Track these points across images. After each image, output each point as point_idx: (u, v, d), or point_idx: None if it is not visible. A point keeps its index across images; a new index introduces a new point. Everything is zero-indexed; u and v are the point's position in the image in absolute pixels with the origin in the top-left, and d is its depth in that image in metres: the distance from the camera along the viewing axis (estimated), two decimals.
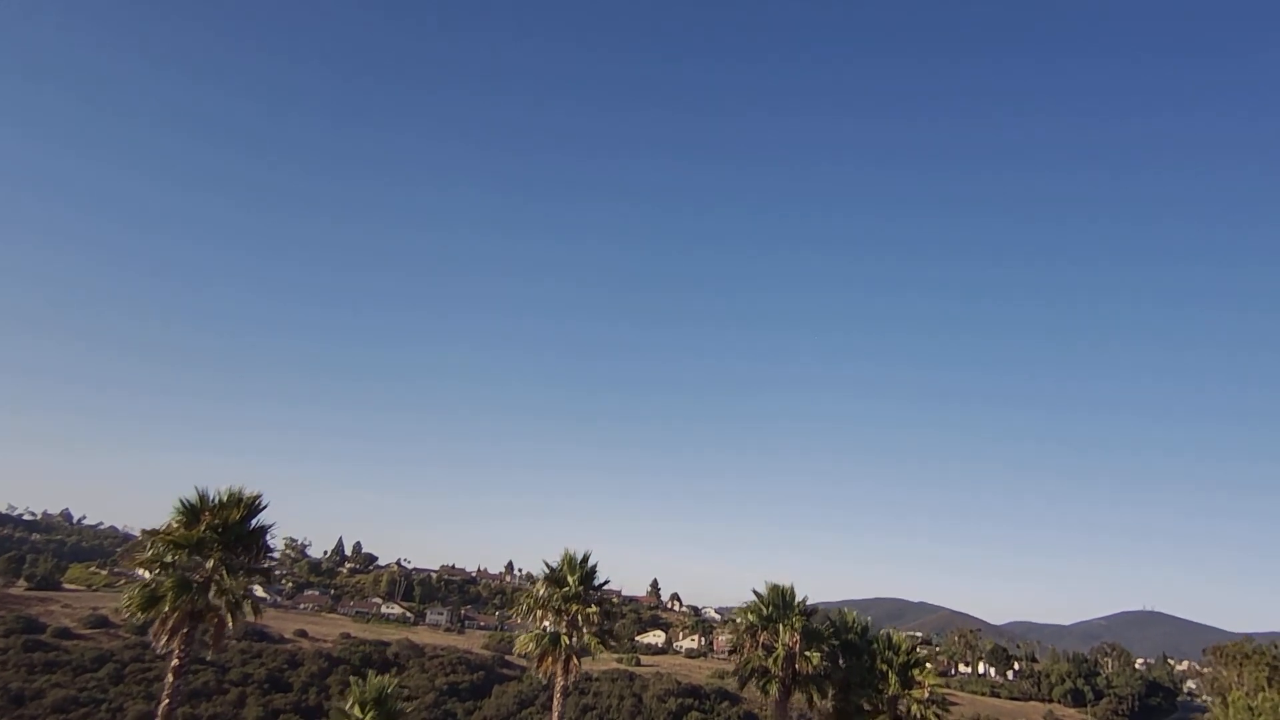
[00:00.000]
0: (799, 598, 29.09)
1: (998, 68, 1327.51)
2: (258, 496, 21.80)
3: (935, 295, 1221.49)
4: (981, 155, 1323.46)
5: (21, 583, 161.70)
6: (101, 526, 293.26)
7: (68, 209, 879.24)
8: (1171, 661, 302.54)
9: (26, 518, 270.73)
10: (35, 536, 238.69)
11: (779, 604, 29.05)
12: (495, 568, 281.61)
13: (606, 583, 29.96)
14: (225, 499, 21.37)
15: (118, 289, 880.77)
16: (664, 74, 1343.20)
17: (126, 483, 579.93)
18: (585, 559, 29.59)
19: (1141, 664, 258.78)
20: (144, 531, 21.42)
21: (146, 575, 21.04)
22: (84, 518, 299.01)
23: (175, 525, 20.54)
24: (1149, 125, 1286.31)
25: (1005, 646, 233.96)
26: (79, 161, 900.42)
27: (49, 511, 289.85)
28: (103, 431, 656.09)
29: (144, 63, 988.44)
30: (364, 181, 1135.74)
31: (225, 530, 20.73)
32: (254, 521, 21.71)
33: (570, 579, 29.04)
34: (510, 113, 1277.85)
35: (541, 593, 29.12)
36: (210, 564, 20.11)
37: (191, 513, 20.78)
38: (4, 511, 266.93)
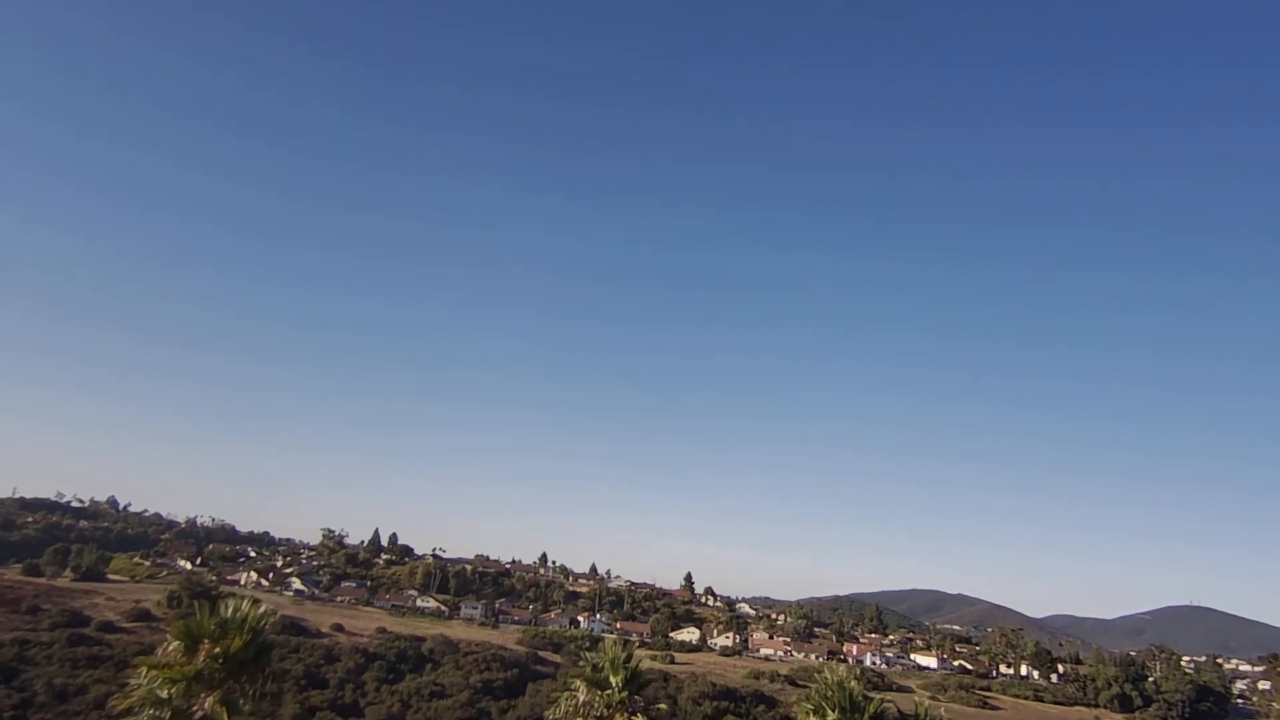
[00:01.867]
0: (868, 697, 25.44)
1: (998, 74, 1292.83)
2: (262, 615, 19.38)
3: (974, 299, 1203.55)
4: (996, 161, 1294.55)
5: (68, 573, 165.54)
6: (146, 513, 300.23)
7: (108, 201, 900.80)
8: (1220, 660, 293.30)
9: (74, 505, 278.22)
10: (83, 524, 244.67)
11: (845, 705, 25.13)
12: (529, 559, 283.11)
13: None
14: (228, 618, 18.88)
15: (165, 280, 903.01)
16: (675, 75, 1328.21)
17: (171, 470, 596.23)
18: (629, 656, 26.83)
19: (1189, 663, 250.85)
20: (137, 658, 19.30)
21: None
22: (129, 504, 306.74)
23: (173, 653, 18.42)
24: (1155, 134, 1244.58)
25: (1048, 647, 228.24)
26: (135, 156, 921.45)
27: (95, 498, 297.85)
28: (148, 420, 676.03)
29: (173, 55, 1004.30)
30: (409, 177, 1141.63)
31: (227, 659, 18.33)
32: (259, 643, 19.26)
33: (614, 680, 26.30)
34: (526, 109, 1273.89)
35: (582, 697, 26.29)
36: (210, 700, 17.87)
37: (190, 639, 18.51)
38: (53, 499, 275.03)
